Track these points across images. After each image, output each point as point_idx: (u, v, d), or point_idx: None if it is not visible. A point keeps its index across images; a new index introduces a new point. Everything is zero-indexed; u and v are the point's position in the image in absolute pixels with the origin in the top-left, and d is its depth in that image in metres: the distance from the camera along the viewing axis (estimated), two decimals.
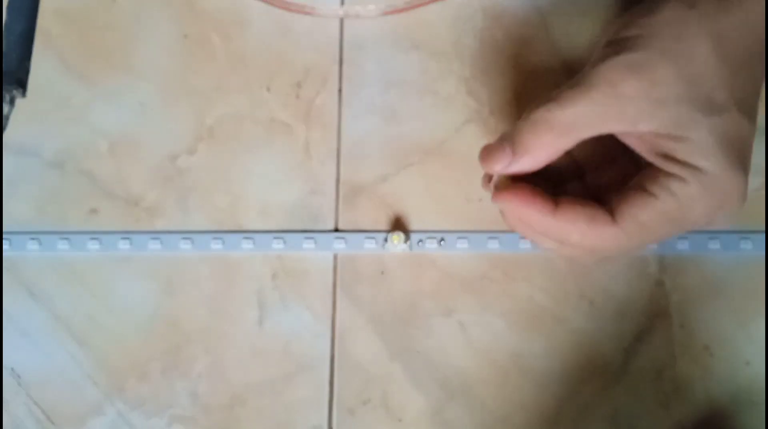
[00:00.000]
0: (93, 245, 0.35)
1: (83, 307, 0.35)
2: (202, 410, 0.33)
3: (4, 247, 0.35)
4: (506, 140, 0.28)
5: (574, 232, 0.27)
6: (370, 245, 0.35)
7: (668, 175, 0.26)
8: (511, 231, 0.33)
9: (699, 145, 0.26)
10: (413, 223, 0.35)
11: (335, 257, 0.35)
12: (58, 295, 0.35)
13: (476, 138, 0.36)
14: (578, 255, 0.29)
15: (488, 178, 0.30)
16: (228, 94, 0.37)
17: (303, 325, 0.34)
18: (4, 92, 0.29)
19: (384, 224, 0.35)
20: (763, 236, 0.35)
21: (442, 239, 0.35)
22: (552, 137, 0.27)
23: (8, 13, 0.28)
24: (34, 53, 0.38)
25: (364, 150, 0.36)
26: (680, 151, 0.26)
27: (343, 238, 0.35)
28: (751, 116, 0.27)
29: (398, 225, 0.35)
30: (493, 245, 0.35)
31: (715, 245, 0.35)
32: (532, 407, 0.33)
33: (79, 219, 0.36)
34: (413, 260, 0.35)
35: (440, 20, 0.38)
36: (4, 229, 0.36)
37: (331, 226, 0.36)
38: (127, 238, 0.35)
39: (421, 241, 0.35)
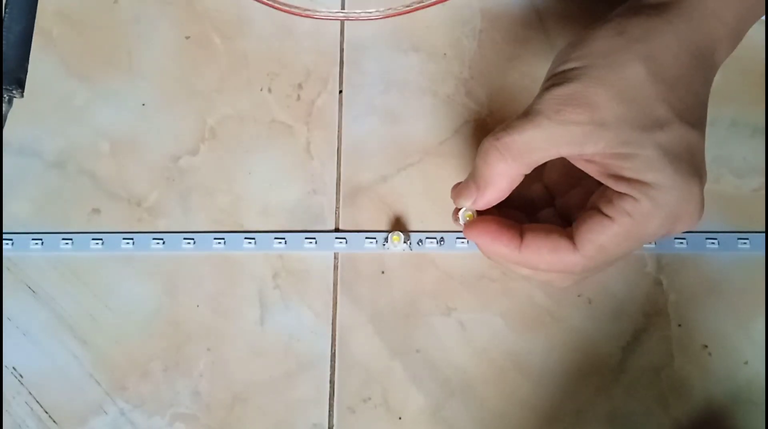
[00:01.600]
0: (95, 245, 0.35)
1: (85, 307, 0.35)
2: (203, 409, 0.34)
3: (7, 246, 0.35)
4: (470, 177, 0.29)
5: (540, 263, 0.29)
6: (370, 245, 0.35)
7: (620, 195, 0.27)
8: None
9: (645, 160, 0.26)
10: (413, 223, 0.36)
11: (336, 257, 0.35)
12: (59, 294, 0.35)
13: (475, 138, 0.37)
14: (553, 279, 0.30)
15: (456, 212, 0.31)
16: (229, 95, 0.37)
17: (304, 324, 0.34)
18: (3, 92, 0.29)
19: (384, 224, 0.36)
20: (761, 236, 0.35)
21: (442, 239, 0.35)
22: (505, 165, 0.28)
23: (8, 14, 0.28)
24: (34, 54, 0.38)
25: (364, 150, 0.37)
26: (627, 170, 0.26)
27: (343, 238, 0.35)
28: (697, 125, 0.27)
29: (398, 225, 0.36)
30: None
31: (713, 245, 0.35)
32: (531, 405, 0.33)
33: (80, 219, 0.36)
34: (413, 260, 0.35)
35: (439, 22, 0.38)
36: (6, 229, 0.36)
37: (332, 226, 0.36)
38: (130, 239, 0.35)
39: (420, 241, 0.35)
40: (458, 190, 0.30)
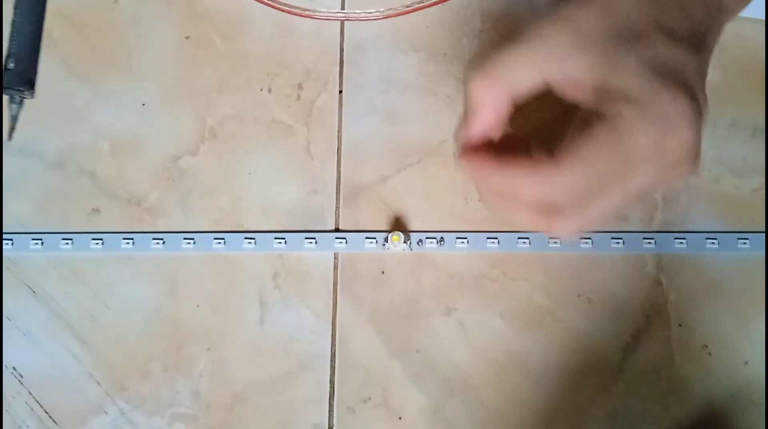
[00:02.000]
0: (95, 245, 0.35)
1: (85, 307, 0.35)
2: (203, 409, 0.34)
3: (7, 246, 0.35)
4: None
5: (520, 180, 0.26)
6: (370, 245, 0.35)
7: (605, 109, 0.25)
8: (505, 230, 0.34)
9: (627, 73, 0.25)
10: (413, 224, 0.36)
11: (336, 257, 0.35)
12: (59, 294, 0.35)
13: None
14: (544, 215, 0.27)
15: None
16: (229, 95, 0.37)
17: (304, 324, 0.34)
18: (14, 93, 0.29)
19: (384, 224, 0.36)
20: (761, 236, 0.35)
21: (442, 239, 0.35)
22: (486, 89, 0.27)
23: (18, 14, 0.28)
24: None
25: (364, 151, 0.37)
26: (612, 84, 0.25)
27: (343, 238, 0.35)
28: (687, 43, 0.26)
29: (398, 225, 0.36)
30: (492, 245, 0.35)
31: (713, 245, 0.35)
32: (531, 405, 0.33)
33: (80, 219, 0.36)
34: (413, 260, 0.35)
35: (439, 22, 0.38)
36: (6, 229, 0.36)
37: (332, 226, 0.36)
38: (130, 239, 0.35)
39: (420, 241, 0.35)
40: (458, 128, 0.29)
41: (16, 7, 0.29)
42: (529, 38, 0.26)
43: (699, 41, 0.27)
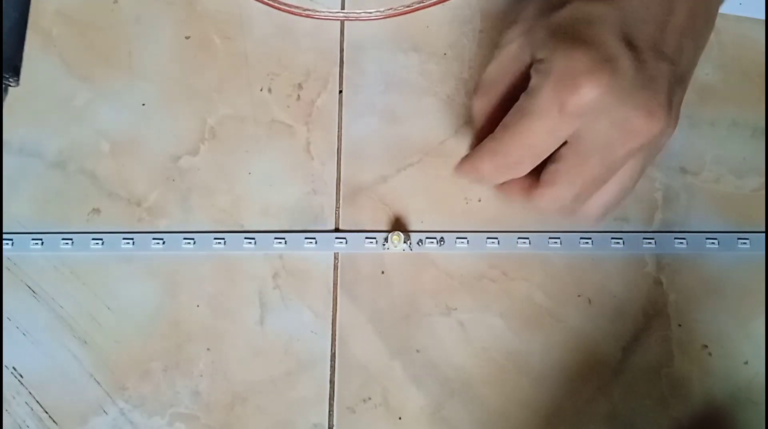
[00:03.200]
0: (96, 245, 0.35)
1: (85, 307, 0.35)
2: (203, 409, 0.34)
3: (7, 246, 0.35)
4: None
5: (469, 160, 0.30)
6: (370, 245, 0.35)
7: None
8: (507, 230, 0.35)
9: (538, 41, 0.28)
10: (413, 224, 0.36)
11: (336, 257, 0.35)
12: (59, 294, 0.35)
13: None
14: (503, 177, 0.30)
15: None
16: (229, 95, 0.37)
17: (304, 324, 0.34)
18: (3, 81, 0.28)
19: (384, 224, 0.36)
20: (762, 236, 0.35)
21: (442, 239, 0.35)
22: (480, 102, 0.31)
23: (4, 1, 0.27)
24: (35, 54, 0.38)
25: (364, 151, 0.37)
26: (531, 55, 0.28)
27: (343, 238, 0.35)
28: (604, 2, 0.27)
29: (398, 225, 0.36)
30: (492, 245, 0.35)
31: (713, 245, 0.35)
32: (531, 406, 0.33)
33: (80, 219, 0.36)
34: (413, 260, 0.35)
35: (439, 22, 0.38)
36: (6, 229, 0.36)
37: (332, 226, 0.36)
38: (130, 239, 0.35)
39: (420, 241, 0.35)
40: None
41: None
42: (499, 44, 0.30)
43: None
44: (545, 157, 0.28)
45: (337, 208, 0.36)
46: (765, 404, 0.33)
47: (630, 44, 0.26)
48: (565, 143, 0.28)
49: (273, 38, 0.38)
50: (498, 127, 0.29)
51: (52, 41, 0.38)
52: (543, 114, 0.27)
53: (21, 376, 0.34)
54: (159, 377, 0.34)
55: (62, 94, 0.37)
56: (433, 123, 0.37)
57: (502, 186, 0.31)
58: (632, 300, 0.34)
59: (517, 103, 0.28)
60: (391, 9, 0.37)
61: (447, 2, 0.38)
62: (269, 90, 0.38)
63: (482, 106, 0.31)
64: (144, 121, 0.37)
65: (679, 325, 0.34)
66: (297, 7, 0.38)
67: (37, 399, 0.34)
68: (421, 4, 0.37)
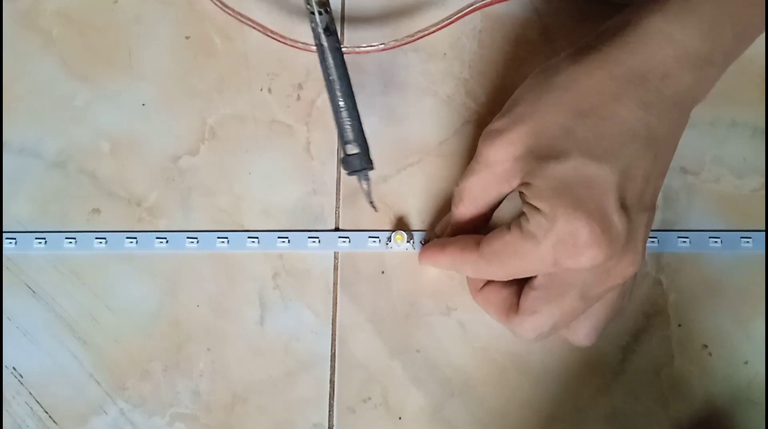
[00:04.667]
0: (98, 244, 0.35)
1: (85, 306, 0.35)
2: (203, 409, 0.34)
3: (10, 245, 0.35)
4: None
5: (447, 259, 0.31)
6: (373, 244, 0.35)
7: (521, 214, 0.28)
8: None
9: (536, 189, 0.28)
10: (413, 223, 0.36)
11: (336, 257, 0.35)
12: (59, 294, 0.35)
13: (475, 139, 0.37)
14: (476, 287, 0.32)
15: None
16: (229, 95, 0.37)
17: (304, 324, 0.34)
18: (360, 173, 0.32)
19: (384, 224, 0.36)
20: (762, 235, 0.35)
21: None
22: (463, 208, 0.32)
23: (343, 102, 0.31)
24: (35, 54, 0.38)
25: None
26: (528, 196, 0.28)
27: (347, 237, 0.35)
28: (604, 158, 0.27)
29: (399, 225, 0.36)
30: None
31: (716, 244, 0.35)
32: (531, 405, 0.33)
33: (81, 219, 0.36)
34: (413, 260, 0.35)
35: (439, 22, 0.38)
36: (7, 229, 0.36)
37: (332, 226, 0.36)
38: (133, 238, 0.35)
39: (421, 241, 0.35)
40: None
41: (336, 100, 0.31)
42: (479, 162, 0.30)
43: (622, 146, 0.27)
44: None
45: (337, 208, 0.36)
46: (765, 404, 0.33)
47: (623, 206, 0.27)
48: None
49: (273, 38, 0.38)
50: (484, 248, 0.29)
51: (52, 41, 0.38)
52: (537, 261, 0.28)
53: (21, 376, 0.34)
54: (159, 377, 0.34)
55: (62, 94, 0.37)
56: (433, 123, 0.37)
57: (480, 297, 0.32)
58: (632, 300, 0.34)
59: (510, 237, 0.28)
60: (394, 41, 0.37)
61: (446, 2, 0.38)
62: (269, 90, 0.38)
63: (463, 214, 0.32)
64: (144, 121, 0.37)
65: (679, 325, 0.34)
66: (301, 43, 0.37)
67: (37, 399, 0.34)
68: (423, 33, 0.37)
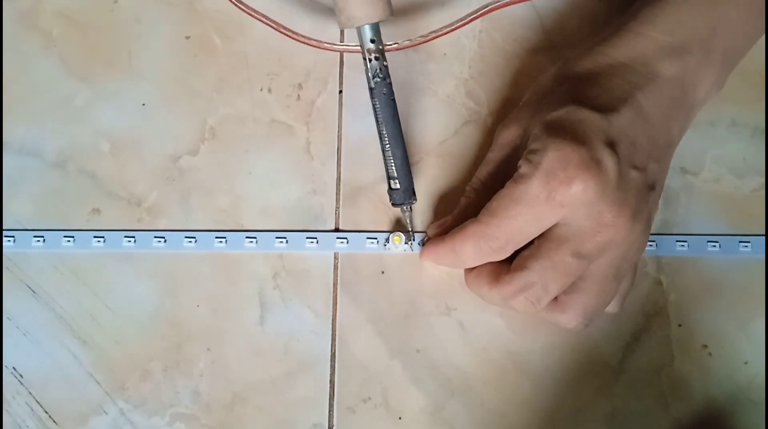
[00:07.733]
0: (97, 243, 0.35)
1: (85, 306, 0.35)
2: (203, 409, 0.34)
3: (9, 243, 0.35)
4: None
5: (446, 246, 0.32)
6: (371, 245, 0.35)
7: (518, 165, 0.30)
8: None
9: (534, 135, 0.30)
10: (413, 223, 0.36)
11: (336, 257, 0.35)
12: (59, 294, 0.35)
13: (475, 139, 0.37)
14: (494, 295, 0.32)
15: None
16: (229, 95, 0.37)
17: (304, 324, 0.34)
18: (404, 206, 0.35)
19: (384, 224, 0.36)
20: (762, 239, 0.35)
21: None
22: (476, 194, 0.34)
23: (390, 143, 0.34)
24: (35, 54, 0.38)
25: (364, 151, 0.37)
26: (526, 146, 0.30)
27: (344, 238, 0.35)
28: (598, 107, 0.29)
29: (399, 225, 0.36)
30: None
31: (714, 248, 0.35)
32: (531, 405, 0.33)
33: (81, 219, 0.36)
34: (413, 260, 0.35)
35: (440, 22, 0.38)
36: (7, 228, 0.36)
37: (332, 226, 0.36)
38: (132, 237, 0.35)
39: (421, 241, 0.35)
40: None
41: (382, 138, 0.34)
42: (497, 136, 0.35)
43: (615, 104, 0.30)
44: (524, 244, 0.30)
45: (337, 208, 0.36)
46: (765, 404, 0.33)
47: (611, 145, 0.29)
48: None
49: (273, 38, 0.38)
50: (482, 213, 0.30)
51: (52, 41, 0.38)
52: (531, 201, 0.29)
53: (21, 376, 0.34)
54: (159, 377, 0.34)
55: (62, 94, 0.37)
56: (433, 123, 0.37)
57: (473, 273, 0.32)
58: (632, 300, 0.34)
59: (503, 191, 0.30)
60: (395, 43, 0.37)
61: (446, 2, 0.38)
62: (269, 90, 0.38)
63: (479, 178, 0.34)
64: (144, 121, 0.37)
65: (679, 325, 0.34)
66: (303, 36, 0.37)
67: (37, 399, 0.34)
68: (425, 39, 0.37)
